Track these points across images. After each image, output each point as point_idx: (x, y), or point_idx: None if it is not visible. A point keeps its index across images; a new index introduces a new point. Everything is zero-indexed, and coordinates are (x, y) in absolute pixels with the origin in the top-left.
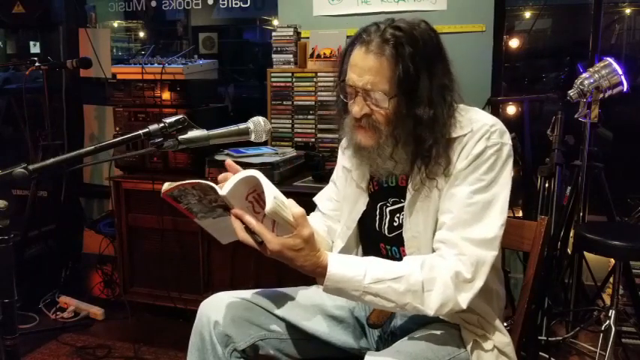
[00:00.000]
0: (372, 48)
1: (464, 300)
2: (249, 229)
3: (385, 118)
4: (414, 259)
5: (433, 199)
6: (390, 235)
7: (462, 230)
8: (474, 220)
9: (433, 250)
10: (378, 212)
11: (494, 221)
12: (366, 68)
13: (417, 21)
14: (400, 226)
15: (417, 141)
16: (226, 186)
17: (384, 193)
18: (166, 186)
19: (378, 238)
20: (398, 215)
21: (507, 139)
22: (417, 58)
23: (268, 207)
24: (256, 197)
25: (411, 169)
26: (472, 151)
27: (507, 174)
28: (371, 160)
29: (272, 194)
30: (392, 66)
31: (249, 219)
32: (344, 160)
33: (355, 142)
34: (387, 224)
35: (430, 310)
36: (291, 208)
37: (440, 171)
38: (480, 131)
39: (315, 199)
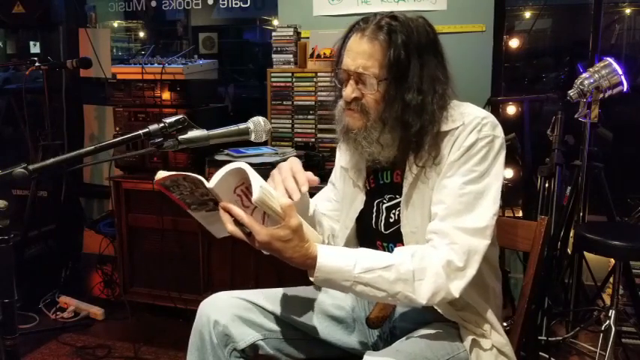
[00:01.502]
0: (366, 33)
1: (456, 288)
2: (238, 222)
3: (375, 102)
4: (405, 249)
5: (428, 193)
6: (387, 232)
7: (454, 220)
8: (466, 210)
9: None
10: (374, 209)
11: (487, 211)
12: (360, 52)
13: (416, 17)
14: (396, 222)
15: (404, 126)
16: (213, 179)
17: (380, 190)
18: (159, 175)
19: (374, 235)
20: (394, 211)
21: (499, 132)
22: (409, 45)
23: (255, 196)
24: (244, 190)
25: (402, 156)
26: (464, 144)
27: (500, 166)
28: (357, 144)
29: (259, 184)
30: (384, 50)
31: (237, 210)
32: (341, 159)
33: (344, 124)
34: (383, 221)
35: (422, 299)
36: (279, 199)
37: (430, 162)
38: (471, 124)
39: (314, 200)
